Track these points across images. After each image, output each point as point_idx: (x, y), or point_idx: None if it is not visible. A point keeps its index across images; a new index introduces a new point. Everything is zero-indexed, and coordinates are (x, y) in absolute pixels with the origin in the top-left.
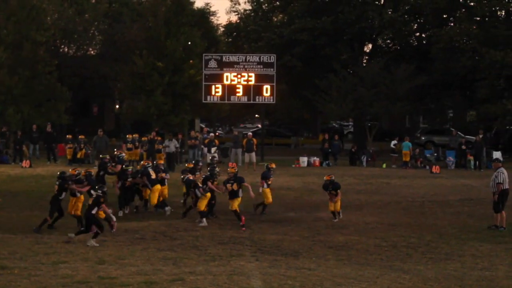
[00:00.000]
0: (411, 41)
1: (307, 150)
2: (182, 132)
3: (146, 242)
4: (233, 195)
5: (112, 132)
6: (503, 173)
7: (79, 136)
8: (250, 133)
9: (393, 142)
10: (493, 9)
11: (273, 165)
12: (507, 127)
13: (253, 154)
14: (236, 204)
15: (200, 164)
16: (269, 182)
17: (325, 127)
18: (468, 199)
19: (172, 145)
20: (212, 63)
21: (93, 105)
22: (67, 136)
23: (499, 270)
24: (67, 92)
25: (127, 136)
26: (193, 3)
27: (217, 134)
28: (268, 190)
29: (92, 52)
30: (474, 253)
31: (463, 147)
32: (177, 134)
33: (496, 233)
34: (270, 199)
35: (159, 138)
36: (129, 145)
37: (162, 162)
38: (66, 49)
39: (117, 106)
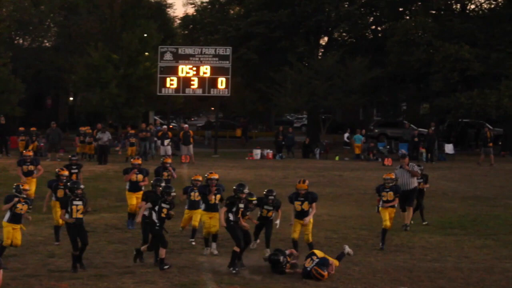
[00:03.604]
0: (367, 34)
1: (260, 142)
2: (131, 124)
3: (97, 235)
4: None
5: (65, 124)
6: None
7: (31, 129)
8: (186, 125)
9: (346, 135)
10: (449, 2)
11: (391, 175)
12: (460, 120)
13: (191, 146)
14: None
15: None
16: (384, 198)
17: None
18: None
19: (105, 137)
20: (168, 56)
21: (46, 97)
22: (20, 128)
23: (448, 261)
24: (21, 84)
25: (80, 128)
26: None
27: (170, 126)
28: (385, 210)
29: (47, 44)
30: (423, 244)
31: (416, 139)
32: (126, 127)
33: (446, 225)
34: (386, 223)
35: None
36: (82, 138)
37: (30, 154)
38: (21, 41)
39: (71, 99)
